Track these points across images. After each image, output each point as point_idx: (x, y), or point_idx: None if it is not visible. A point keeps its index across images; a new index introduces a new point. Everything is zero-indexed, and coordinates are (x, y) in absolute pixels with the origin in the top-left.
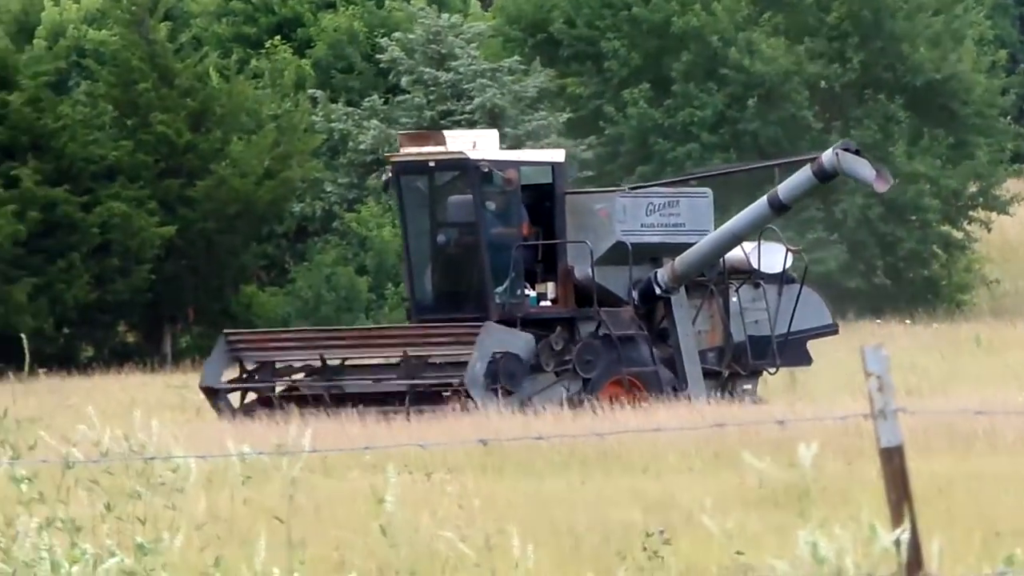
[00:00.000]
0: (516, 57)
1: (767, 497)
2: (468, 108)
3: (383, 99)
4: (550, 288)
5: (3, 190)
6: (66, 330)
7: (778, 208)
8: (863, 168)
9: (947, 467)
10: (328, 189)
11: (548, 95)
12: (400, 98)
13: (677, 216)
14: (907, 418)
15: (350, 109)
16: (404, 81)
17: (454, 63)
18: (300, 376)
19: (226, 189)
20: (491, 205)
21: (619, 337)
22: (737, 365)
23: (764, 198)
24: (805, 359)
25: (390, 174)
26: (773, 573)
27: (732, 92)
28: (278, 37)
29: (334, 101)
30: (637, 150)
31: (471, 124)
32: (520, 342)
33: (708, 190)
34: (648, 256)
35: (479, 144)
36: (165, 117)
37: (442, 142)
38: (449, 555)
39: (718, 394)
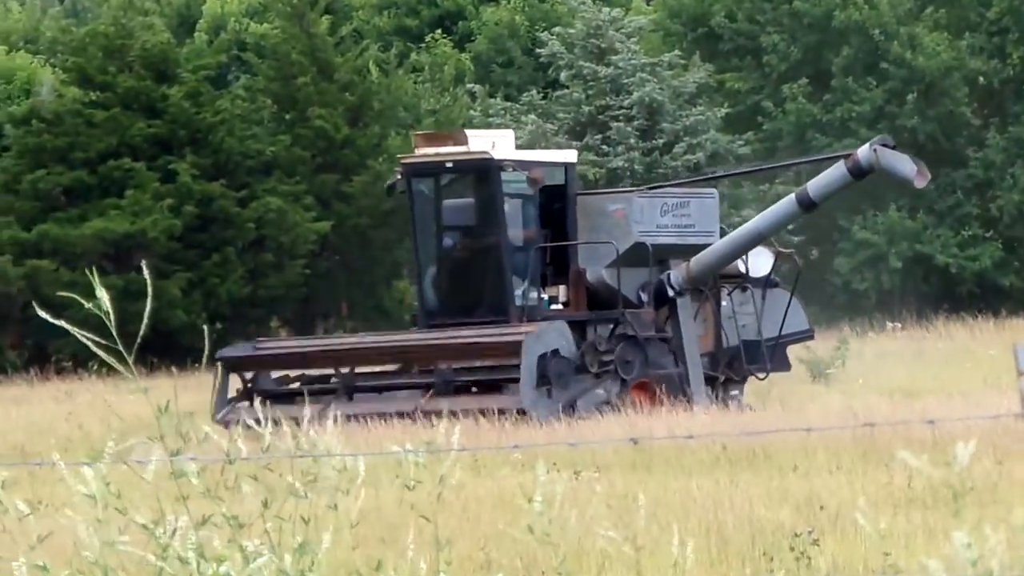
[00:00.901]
0: (676, 52)
1: (916, 497)
2: (626, 103)
3: (541, 94)
4: (561, 291)
5: (160, 184)
6: (219, 325)
7: (807, 206)
8: (903, 164)
9: None
10: None
11: (707, 90)
12: (558, 93)
13: (688, 217)
14: None
15: (508, 104)
16: (563, 76)
17: (614, 57)
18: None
19: (382, 184)
20: (513, 206)
21: (644, 339)
22: (730, 370)
23: (792, 196)
24: (786, 365)
25: (399, 176)
26: (925, 574)
27: (891, 87)
28: (439, 31)
29: (492, 95)
30: (795, 145)
31: (628, 119)
32: (564, 340)
33: (714, 190)
34: (659, 258)
35: (497, 144)
36: (323, 112)
37: (464, 142)
38: (601, 553)
39: (712, 399)
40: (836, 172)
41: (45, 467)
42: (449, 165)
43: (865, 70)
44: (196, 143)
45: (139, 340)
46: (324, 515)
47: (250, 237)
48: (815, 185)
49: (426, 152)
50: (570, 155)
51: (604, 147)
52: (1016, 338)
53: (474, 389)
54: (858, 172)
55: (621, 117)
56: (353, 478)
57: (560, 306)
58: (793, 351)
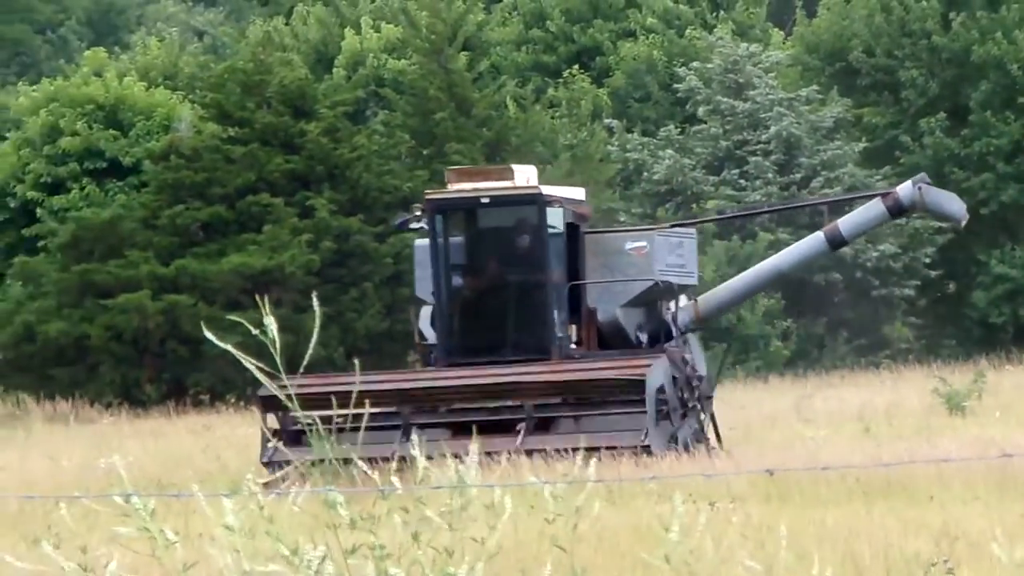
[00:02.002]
0: (813, 86)
1: None
2: (764, 137)
3: (679, 129)
4: (573, 331)
5: (299, 220)
6: (356, 360)
7: (837, 244)
8: (951, 202)
9: None
10: (622, 219)
11: (844, 124)
12: (696, 128)
13: (682, 257)
14: None
15: (645, 139)
16: (701, 111)
17: (751, 92)
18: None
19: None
20: (554, 243)
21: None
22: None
23: (820, 233)
24: None
25: (419, 212)
26: None
27: None
28: (576, 66)
29: (630, 131)
30: (932, 180)
31: (766, 154)
32: (667, 375)
33: (694, 230)
34: (656, 297)
35: (526, 179)
36: (461, 147)
37: (510, 177)
38: None
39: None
40: (873, 210)
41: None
42: (485, 201)
43: (1003, 104)
44: (333, 178)
45: (302, 368)
46: (468, 547)
47: (388, 272)
48: (848, 223)
49: (462, 187)
50: (580, 192)
51: (742, 181)
52: None
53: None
54: (898, 211)
55: (759, 152)
56: (500, 513)
57: (573, 346)
58: (928, 385)
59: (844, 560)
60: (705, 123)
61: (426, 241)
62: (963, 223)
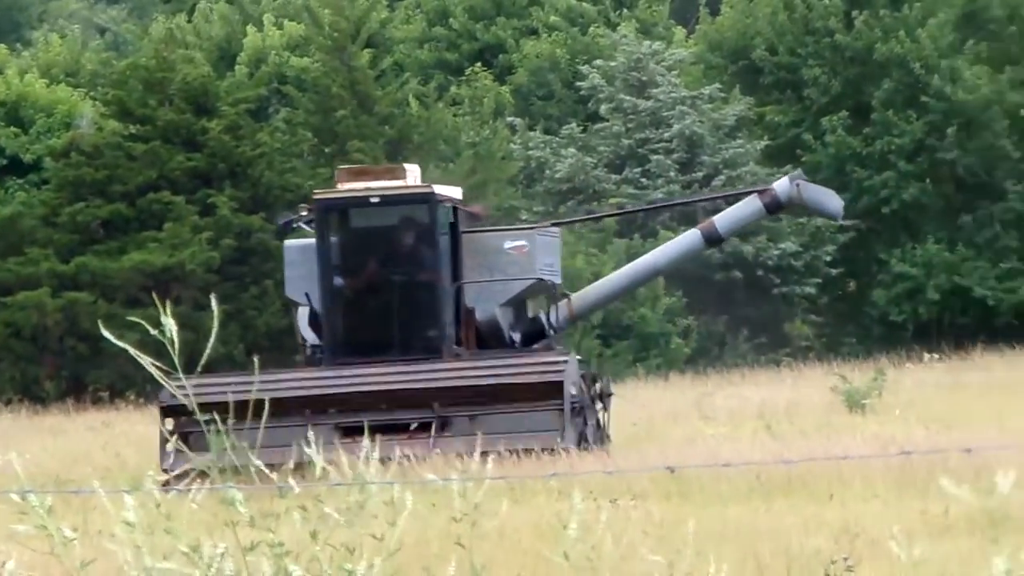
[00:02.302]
0: (716, 85)
1: (952, 525)
2: (666, 136)
3: (581, 127)
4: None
5: (199, 217)
6: (256, 357)
7: (713, 241)
8: (830, 198)
9: None
10: (523, 217)
11: (747, 123)
12: (599, 126)
13: (553, 256)
14: None
15: (548, 137)
16: (603, 109)
17: (654, 91)
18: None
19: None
20: (443, 242)
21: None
22: None
23: (696, 230)
24: None
25: (304, 213)
26: None
27: (932, 120)
28: (479, 64)
29: (532, 128)
30: (834, 178)
31: (668, 152)
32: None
33: (559, 230)
34: (535, 296)
35: (414, 179)
36: (363, 145)
37: (403, 176)
38: None
39: None
40: (751, 207)
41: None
42: (375, 200)
43: (905, 103)
44: (235, 176)
45: (199, 368)
46: (368, 544)
47: None
48: (724, 220)
49: (354, 187)
50: (456, 192)
51: (643, 180)
52: None
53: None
54: (775, 207)
55: (661, 150)
56: (399, 510)
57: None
58: (828, 383)
59: (745, 557)
60: (607, 121)
61: (298, 241)
62: (840, 219)
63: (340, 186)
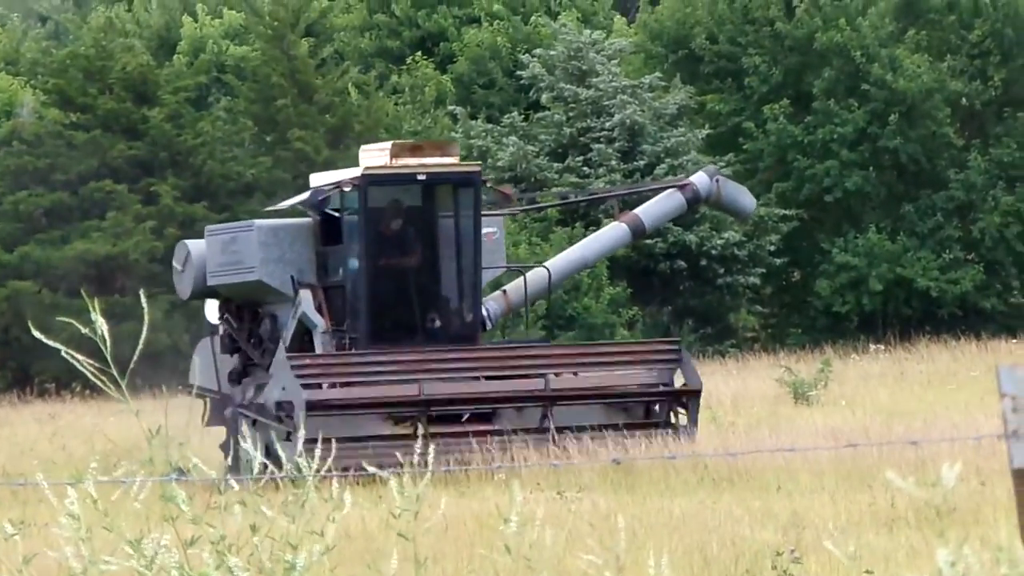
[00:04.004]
0: (657, 74)
1: (899, 517)
2: (607, 125)
3: (523, 116)
4: None
5: (142, 206)
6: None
7: (639, 234)
8: (745, 196)
9: None
10: None
11: (688, 112)
12: (540, 115)
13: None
14: None
15: (489, 126)
16: (544, 98)
17: (595, 80)
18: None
19: None
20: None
21: None
22: None
23: (622, 223)
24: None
25: (348, 188)
26: None
27: (873, 109)
28: (420, 52)
29: (474, 117)
30: (776, 167)
31: (609, 141)
32: None
33: (500, 219)
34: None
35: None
36: (304, 134)
37: (453, 153)
38: (583, 574)
39: None
40: (674, 201)
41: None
42: (422, 177)
43: (847, 92)
44: (177, 165)
45: (132, 365)
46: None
47: None
48: (648, 213)
49: (407, 162)
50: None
51: (585, 168)
52: (998, 360)
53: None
54: (695, 201)
55: (602, 139)
56: (339, 507)
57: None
58: (774, 374)
59: (692, 550)
60: (549, 110)
61: (269, 222)
62: (748, 219)
63: (394, 161)
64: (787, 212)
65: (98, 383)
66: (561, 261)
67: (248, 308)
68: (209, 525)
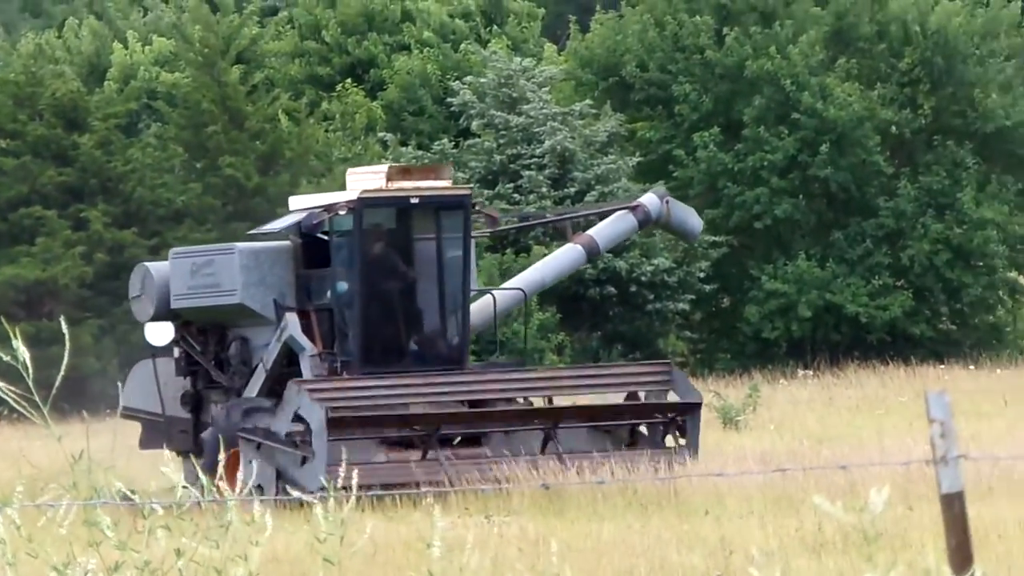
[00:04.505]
0: (587, 101)
1: (827, 542)
2: (538, 152)
3: (453, 142)
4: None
5: (71, 232)
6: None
7: (593, 255)
8: (693, 217)
9: (1007, 513)
10: None
11: (618, 139)
12: (470, 142)
13: None
14: (969, 464)
15: (420, 152)
16: (475, 125)
17: (525, 107)
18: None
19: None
20: (470, 246)
21: None
22: None
23: (577, 245)
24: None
25: (343, 212)
26: None
27: (803, 137)
28: (350, 79)
29: (404, 144)
30: (706, 194)
31: (540, 168)
32: None
33: None
34: None
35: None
36: (234, 160)
37: (446, 176)
38: None
39: None
40: (626, 222)
41: None
42: (415, 201)
43: (777, 120)
44: (107, 191)
45: (54, 390)
46: (235, 563)
47: None
48: (602, 235)
49: (402, 185)
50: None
51: (516, 195)
52: (926, 385)
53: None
54: (646, 222)
55: (533, 166)
56: (261, 530)
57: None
58: (705, 398)
59: (620, 574)
60: (479, 137)
61: (250, 245)
62: (695, 240)
63: (390, 184)
64: (717, 239)
65: (19, 409)
66: (520, 282)
67: (213, 331)
68: (134, 550)
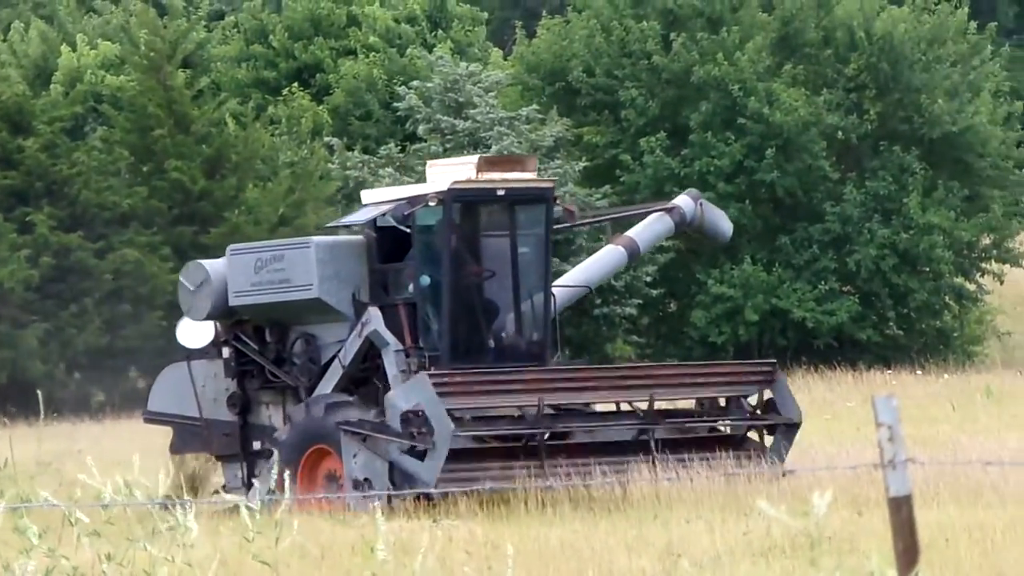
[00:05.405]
0: (534, 106)
1: (775, 546)
2: None
3: (399, 147)
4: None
5: (17, 235)
6: (77, 375)
7: (633, 256)
8: (724, 221)
9: (954, 517)
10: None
11: (565, 144)
12: (416, 146)
13: None
14: (916, 468)
15: (366, 157)
16: (421, 129)
17: (472, 112)
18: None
19: (239, 236)
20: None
21: None
22: None
23: (619, 247)
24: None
25: (432, 203)
26: None
27: (750, 142)
28: (296, 84)
29: (350, 148)
30: (652, 199)
31: None
32: None
33: None
34: None
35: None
36: (180, 164)
37: (533, 168)
38: None
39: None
40: (664, 224)
41: None
42: (501, 193)
43: (723, 125)
44: (53, 194)
45: None
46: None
47: (107, 288)
48: (642, 236)
49: (491, 177)
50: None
51: None
52: (873, 391)
53: None
54: (682, 224)
55: None
56: (187, 531)
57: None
58: None
59: None
60: (425, 141)
61: (326, 239)
62: (726, 241)
63: (480, 175)
64: (664, 244)
65: None
66: (567, 284)
67: (273, 329)
68: (64, 557)
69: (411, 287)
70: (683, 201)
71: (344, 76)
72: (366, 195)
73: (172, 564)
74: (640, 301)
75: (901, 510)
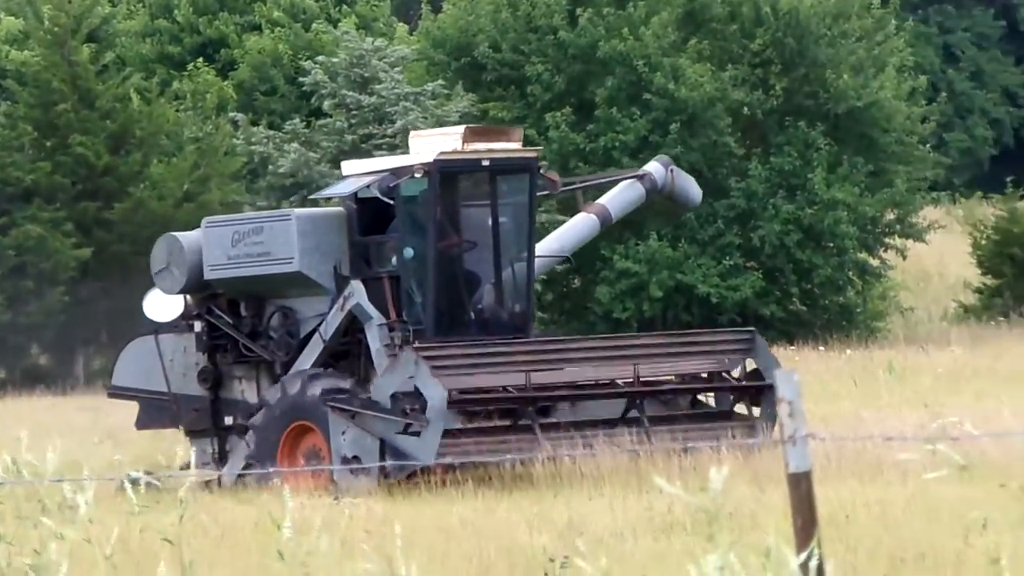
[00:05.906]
0: (440, 81)
1: (676, 522)
2: (389, 132)
3: (304, 122)
4: None
5: None
6: None
7: (607, 224)
8: (693, 186)
9: (854, 493)
10: (247, 211)
11: (470, 119)
12: (322, 122)
13: None
14: (817, 444)
15: (271, 132)
16: (326, 105)
17: (377, 87)
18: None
19: (144, 212)
20: (534, 210)
21: None
22: None
23: (591, 215)
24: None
25: (418, 175)
26: None
27: (655, 117)
28: (201, 59)
29: (255, 124)
30: (558, 175)
31: (392, 148)
32: None
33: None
34: None
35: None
36: (84, 139)
37: (517, 139)
38: None
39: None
40: (635, 192)
41: None
42: (485, 163)
43: (629, 100)
44: None
45: None
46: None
47: (10, 264)
48: (614, 204)
49: (476, 147)
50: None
51: None
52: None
53: None
54: (653, 191)
55: (384, 146)
56: (74, 507)
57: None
58: None
59: (470, 556)
60: (331, 117)
61: (306, 211)
62: (695, 208)
63: (466, 146)
64: (567, 218)
65: None
66: (543, 251)
67: (248, 303)
68: None
69: (394, 260)
70: (654, 168)
71: (249, 51)
72: (347, 166)
73: (63, 542)
74: (544, 276)
75: (800, 486)
